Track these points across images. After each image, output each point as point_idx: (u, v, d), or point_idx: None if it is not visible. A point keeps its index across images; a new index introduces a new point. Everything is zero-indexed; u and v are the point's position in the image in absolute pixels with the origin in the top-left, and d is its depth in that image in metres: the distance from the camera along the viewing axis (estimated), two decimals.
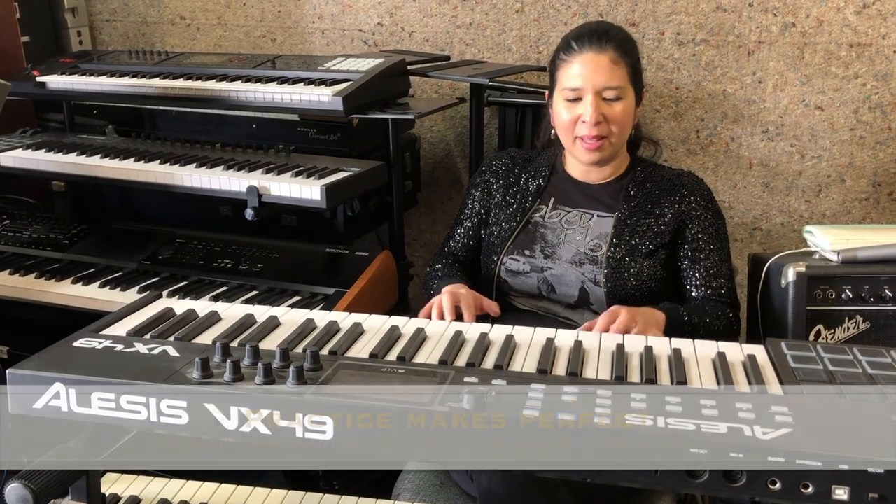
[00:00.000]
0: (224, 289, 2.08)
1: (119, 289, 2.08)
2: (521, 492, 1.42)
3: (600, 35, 1.71)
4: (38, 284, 2.13)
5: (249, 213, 1.99)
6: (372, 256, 2.13)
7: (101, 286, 2.10)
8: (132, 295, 2.03)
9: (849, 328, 1.72)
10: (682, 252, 1.78)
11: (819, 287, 1.72)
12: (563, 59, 1.74)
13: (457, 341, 1.12)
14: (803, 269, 1.71)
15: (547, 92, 1.84)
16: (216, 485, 1.32)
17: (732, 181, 2.51)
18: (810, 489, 0.83)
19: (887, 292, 1.70)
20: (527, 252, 1.79)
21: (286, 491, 1.31)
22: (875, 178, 2.38)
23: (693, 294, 1.78)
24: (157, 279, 2.15)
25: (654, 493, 1.59)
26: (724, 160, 2.50)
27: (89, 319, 1.20)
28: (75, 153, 2.27)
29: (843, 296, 1.71)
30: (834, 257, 1.74)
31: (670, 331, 1.58)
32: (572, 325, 1.71)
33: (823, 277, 1.72)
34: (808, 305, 1.72)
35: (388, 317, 1.22)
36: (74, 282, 2.12)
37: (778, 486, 0.84)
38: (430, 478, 1.66)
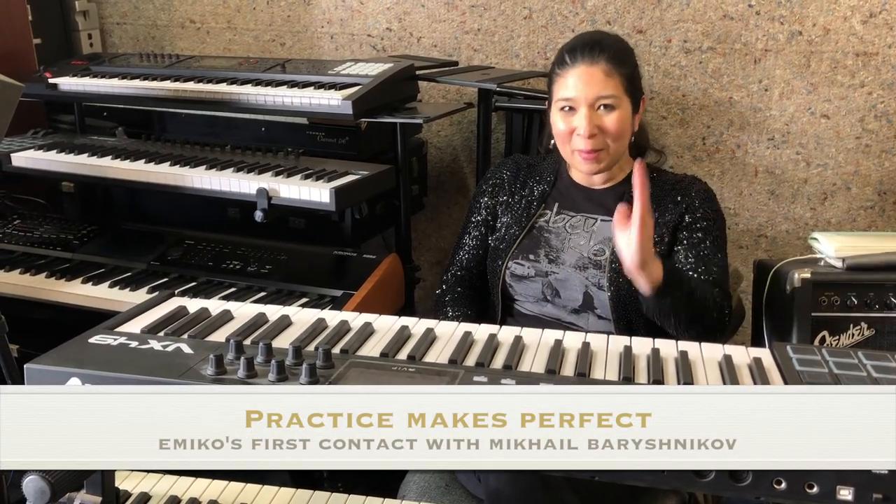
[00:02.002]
0: (232, 290, 2.10)
1: (128, 289, 2.10)
2: (529, 493, 1.43)
3: (592, 47, 1.72)
4: (48, 284, 2.16)
5: (259, 216, 2.00)
6: (379, 259, 2.14)
7: (111, 286, 2.12)
8: (142, 295, 2.05)
9: (854, 335, 1.73)
10: (679, 242, 1.76)
11: (824, 293, 1.73)
12: (557, 73, 1.76)
13: (466, 341, 1.13)
14: (808, 276, 1.72)
15: (547, 102, 1.86)
16: (225, 482, 1.33)
17: (738, 188, 2.52)
18: (815, 489, 0.85)
19: (892, 299, 1.71)
20: (531, 256, 1.80)
21: (294, 489, 1.33)
22: (881, 186, 2.39)
23: None
24: (166, 280, 2.17)
25: (658, 494, 1.60)
26: (730, 167, 2.52)
27: (99, 319, 1.22)
28: (86, 154, 2.29)
29: (848, 302, 1.72)
30: (839, 264, 1.75)
31: (667, 277, 1.54)
32: (577, 331, 1.72)
33: (828, 284, 1.73)
34: (812, 312, 1.73)
35: (398, 317, 1.23)
36: (84, 282, 2.15)
37: (783, 485, 0.86)
38: (436, 479, 1.67)
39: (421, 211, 2.72)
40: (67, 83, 2.46)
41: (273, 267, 2.16)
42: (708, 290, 1.66)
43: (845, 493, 0.84)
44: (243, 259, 2.20)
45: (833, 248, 1.77)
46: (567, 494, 1.45)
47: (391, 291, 2.18)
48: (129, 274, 2.20)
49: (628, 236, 1.47)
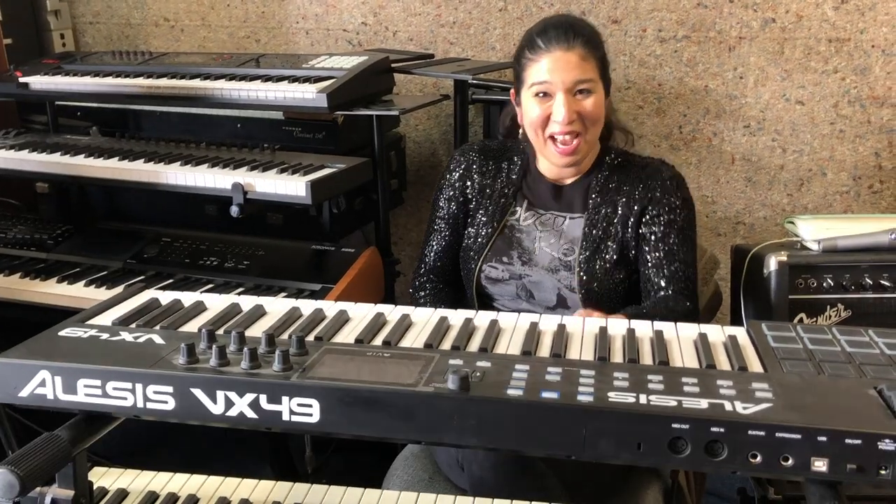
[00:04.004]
0: (210, 286, 2.09)
1: (104, 287, 2.08)
2: (512, 480, 1.43)
3: (567, 30, 1.67)
4: (23, 284, 2.13)
5: (235, 210, 1.99)
6: (358, 252, 2.13)
7: (87, 285, 2.10)
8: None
9: (830, 316, 1.74)
10: (642, 238, 1.72)
11: (801, 276, 1.74)
12: (529, 58, 1.69)
13: (442, 326, 1.12)
14: (785, 259, 1.73)
15: (513, 90, 1.79)
16: (204, 477, 1.31)
17: (715, 176, 2.53)
18: (790, 462, 0.85)
19: (867, 280, 1.72)
20: (505, 259, 1.77)
21: (274, 482, 1.31)
22: (855, 171, 2.41)
23: (652, 279, 1.71)
24: (142, 277, 2.14)
25: (641, 481, 1.60)
26: (707, 155, 2.53)
27: None
28: (59, 153, 2.26)
29: (825, 284, 1.73)
30: (815, 246, 1.76)
31: None
32: None
33: (805, 266, 1.74)
34: (790, 294, 1.73)
35: (373, 304, 1.22)
36: (59, 281, 2.12)
37: (759, 459, 0.85)
38: (419, 472, 1.66)
39: (400, 206, 2.72)
40: (38, 82, 2.43)
41: (251, 262, 2.15)
42: (670, 311, 1.63)
43: (820, 465, 0.84)
44: (221, 255, 2.18)
45: (809, 231, 1.78)
46: (550, 480, 1.45)
47: (370, 285, 2.17)
48: (104, 273, 2.17)
49: None
